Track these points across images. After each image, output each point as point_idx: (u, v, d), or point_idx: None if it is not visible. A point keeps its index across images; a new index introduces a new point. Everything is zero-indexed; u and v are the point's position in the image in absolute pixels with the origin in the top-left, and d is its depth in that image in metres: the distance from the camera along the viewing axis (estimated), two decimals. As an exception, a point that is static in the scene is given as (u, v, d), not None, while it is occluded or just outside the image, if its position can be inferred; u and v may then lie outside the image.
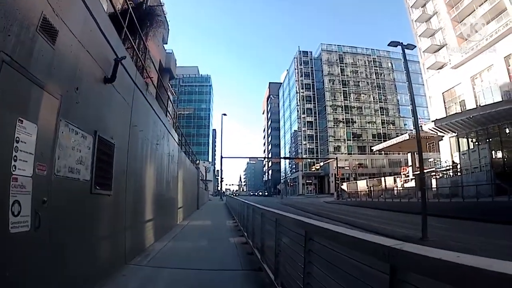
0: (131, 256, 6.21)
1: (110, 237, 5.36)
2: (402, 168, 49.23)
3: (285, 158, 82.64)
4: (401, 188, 31.48)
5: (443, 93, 33.97)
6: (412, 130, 64.60)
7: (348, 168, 68.16)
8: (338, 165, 67.40)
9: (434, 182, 26.76)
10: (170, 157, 11.03)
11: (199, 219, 16.45)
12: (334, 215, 19.86)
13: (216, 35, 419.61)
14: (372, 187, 38.11)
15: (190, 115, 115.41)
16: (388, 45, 15.23)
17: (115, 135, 5.38)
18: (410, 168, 38.34)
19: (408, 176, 36.66)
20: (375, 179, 41.56)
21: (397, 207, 23.23)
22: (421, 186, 14.22)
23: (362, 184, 41.46)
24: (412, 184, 31.34)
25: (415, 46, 17.66)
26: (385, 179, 37.98)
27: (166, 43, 33.61)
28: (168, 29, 34.07)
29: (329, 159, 65.29)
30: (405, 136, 35.16)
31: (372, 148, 51.50)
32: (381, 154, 70.24)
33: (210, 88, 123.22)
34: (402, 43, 14.70)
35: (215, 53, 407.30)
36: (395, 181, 36.41)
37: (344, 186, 47.78)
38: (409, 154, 40.64)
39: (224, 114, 53.76)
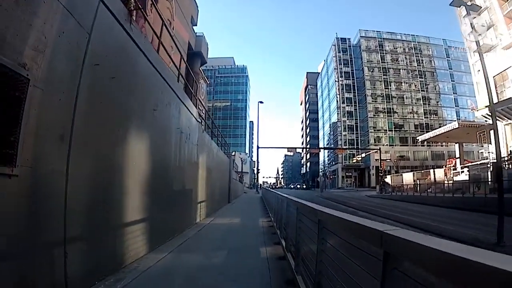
0: (85, 282, 3.53)
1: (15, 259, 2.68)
2: (447, 160, 45.45)
3: (325, 148, 79.06)
4: (452, 182, 27.62)
5: (493, 76, 29.63)
6: (456, 120, 60.55)
7: (389, 160, 63.57)
8: (377, 157, 64.25)
9: (489, 175, 23.16)
10: (183, 135, 8.37)
11: (226, 215, 13.60)
12: (381, 211, 17.59)
13: (250, 26, 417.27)
14: (418, 180, 34.55)
15: (227, 107, 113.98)
16: (450, 4, 12.10)
17: (32, 63, 2.77)
18: (458, 160, 35.54)
19: (456, 169, 32.98)
20: (422, 171, 37.39)
21: (450, 202, 20.96)
22: (498, 178, 10.80)
23: (408, 177, 37.72)
24: (463, 177, 28.11)
25: (480, 7, 14.72)
26: (434, 172, 34.16)
27: (196, 25, 31.41)
28: (198, 10, 31.82)
29: (372, 149, 60.99)
30: (454, 125, 31.72)
31: (417, 138, 47.15)
32: (424, 146, 67.35)
33: (246, 79, 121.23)
34: (466, 2, 12.12)
35: (250, 45, 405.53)
36: (445, 174, 32.17)
37: (388, 179, 43.92)
38: (456, 145, 37.77)
39: (261, 102, 51.03)
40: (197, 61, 33.66)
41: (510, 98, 24.58)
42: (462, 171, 30.37)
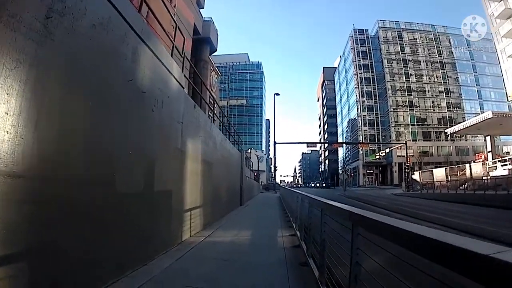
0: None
1: None
2: (476, 155, 42.19)
3: (347, 143, 75.03)
4: (489, 178, 25.28)
5: None
6: (480, 112, 57.59)
7: (412, 156, 60.01)
8: (402, 153, 61.27)
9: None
10: (150, 99, 5.38)
11: (233, 225, 9.94)
12: (420, 213, 15.00)
13: (263, 26, 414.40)
14: (450, 177, 31.62)
15: (242, 105, 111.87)
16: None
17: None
18: (490, 154, 33.08)
19: (494, 163, 29.81)
20: (457, 166, 34.02)
21: (493, 201, 18.72)
22: None
23: (439, 173, 34.30)
24: (500, 172, 26.35)
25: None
26: (470, 166, 30.84)
27: (203, 7, 29.03)
28: (204, -9, 29.40)
29: (396, 144, 57.46)
30: (487, 114, 29.03)
31: (445, 131, 43.85)
32: (448, 140, 67.03)
33: (261, 75, 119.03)
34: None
35: (264, 44, 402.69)
36: (486, 168, 28.89)
37: (416, 175, 40.46)
38: (487, 138, 35.05)
39: (277, 94, 47.84)
40: (206, 48, 31.09)
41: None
42: (504, 165, 27.74)
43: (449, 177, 31.59)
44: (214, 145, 10.55)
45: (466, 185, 26.36)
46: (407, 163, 44.06)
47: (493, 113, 28.32)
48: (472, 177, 28.22)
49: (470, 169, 30.38)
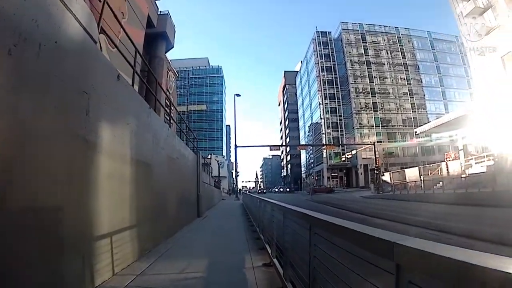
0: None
1: None
2: (446, 154, 41.84)
3: (313, 145, 73.17)
4: (467, 176, 24.50)
5: (502, 57, 27.21)
6: (445, 112, 58.62)
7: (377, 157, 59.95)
8: (367, 155, 61.03)
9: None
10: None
11: (182, 252, 6.92)
12: (404, 216, 13.50)
13: (224, 26, 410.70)
14: (423, 176, 30.37)
15: (202, 111, 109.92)
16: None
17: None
18: (462, 152, 31.27)
19: (468, 160, 28.87)
20: (430, 165, 33.10)
21: (479, 199, 17.55)
22: None
23: (412, 173, 33.19)
24: (477, 169, 25.21)
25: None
26: (447, 164, 29.97)
27: (159, -1, 26.29)
28: (160, -24, 26.65)
29: (364, 145, 56.67)
30: (461, 112, 27.71)
31: (415, 130, 43.17)
32: (413, 141, 64.77)
33: (221, 79, 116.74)
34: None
35: (225, 46, 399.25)
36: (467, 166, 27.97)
37: (386, 176, 39.35)
38: (459, 136, 33.04)
39: (238, 95, 45.13)
40: (161, 43, 28.16)
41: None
42: (478, 162, 26.67)
43: (422, 176, 30.45)
44: (156, 140, 7.73)
45: (443, 184, 25.23)
46: (376, 164, 42.75)
47: (466, 110, 27.15)
48: (449, 176, 27.49)
49: (447, 167, 29.53)
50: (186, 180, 12.19)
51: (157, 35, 26.65)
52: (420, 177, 30.39)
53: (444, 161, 32.82)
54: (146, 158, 6.90)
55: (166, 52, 29.76)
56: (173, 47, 30.29)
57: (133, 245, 5.85)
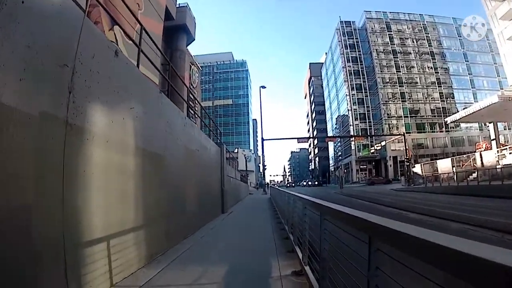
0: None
1: None
2: (476, 144, 39.79)
3: (341, 136, 71.19)
4: (502, 167, 22.81)
5: None
6: (474, 102, 55.99)
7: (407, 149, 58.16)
8: (396, 147, 60.60)
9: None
10: None
11: (200, 256, 5.97)
12: (443, 211, 12.07)
13: (248, 19, 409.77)
14: (455, 168, 29.04)
15: (228, 105, 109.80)
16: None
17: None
18: (494, 142, 30.32)
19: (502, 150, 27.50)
20: (464, 156, 31.38)
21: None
22: None
23: (444, 165, 31.73)
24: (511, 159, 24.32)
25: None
26: (481, 155, 28.34)
27: (176, -11, 25.79)
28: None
29: (393, 136, 54.61)
30: (493, 99, 25.99)
31: (446, 120, 41.17)
32: (442, 132, 65.89)
33: (246, 73, 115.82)
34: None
35: (250, 39, 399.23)
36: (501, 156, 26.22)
37: (417, 168, 37.59)
38: (491, 125, 32.13)
39: (263, 87, 44.04)
40: (182, 36, 27.61)
41: None
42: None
43: (455, 168, 29.00)
44: (170, 130, 6.88)
45: (477, 175, 23.74)
46: (407, 155, 40.96)
47: (499, 97, 25.46)
48: (483, 167, 26.04)
49: (481, 158, 27.91)
50: (208, 173, 11.36)
51: (177, 27, 26.27)
52: (453, 169, 29.03)
53: (477, 151, 31.44)
54: (157, 148, 6.07)
55: (187, 45, 29.22)
56: (194, 39, 29.74)
57: (139, 248, 5.05)
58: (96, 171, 3.97)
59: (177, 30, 26.42)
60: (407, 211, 13.03)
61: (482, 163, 27.34)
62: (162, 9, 21.93)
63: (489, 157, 27.16)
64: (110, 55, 4.55)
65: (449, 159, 31.83)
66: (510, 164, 22.70)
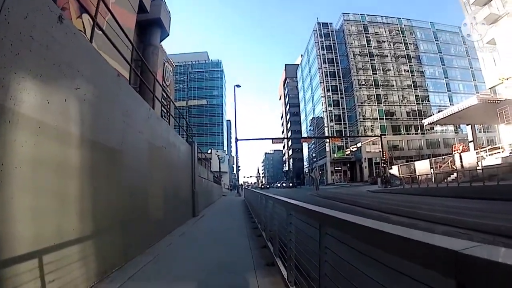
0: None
1: None
2: (453, 146, 40.55)
3: (317, 137, 69.98)
4: (481, 168, 22.88)
5: None
6: (449, 105, 57.44)
7: (380, 151, 58.61)
8: (371, 149, 61.39)
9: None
10: None
11: (157, 273, 4.79)
12: (426, 213, 11.61)
13: (223, 19, 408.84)
14: (433, 169, 29.50)
15: (202, 105, 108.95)
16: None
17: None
18: (472, 144, 30.97)
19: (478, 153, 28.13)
20: (442, 157, 31.86)
21: (494, 193, 16.42)
22: None
23: (422, 166, 32.19)
24: (491, 161, 24.57)
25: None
26: (460, 157, 28.56)
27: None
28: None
29: (370, 137, 55.04)
30: (472, 101, 26.30)
31: (423, 121, 41.89)
32: (418, 134, 67.02)
33: (221, 73, 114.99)
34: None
35: (225, 38, 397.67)
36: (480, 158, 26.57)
37: (394, 170, 37.77)
38: (468, 127, 32.83)
39: (238, 86, 42.84)
40: (156, 31, 26.26)
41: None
42: (491, 154, 26.55)
43: (433, 169, 29.49)
44: (129, 120, 5.81)
45: (457, 177, 24.09)
46: (383, 157, 41.02)
47: (478, 99, 25.68)
48: (462, 168, 26.45)
49: (461, 159, 28.15)
50: (177, 174, 10.27)
51: (151, 22, 24.95)
52: (431, 170, 29.39)
53: (454, 153, 31.86)
54: (112, 141, 5.02)
55: (161, 41, 27.89)
56: (168, 35, 28.43)
57: (86, 264, 4.03)
58: (21, 165, 2.96)
59: (151, 24, 25.17)
60: (388, 213, 12.42)
61: (462, 164, 27.56)
62: (136, 0, 20.73)
63: (469, 159, 27.35)
64: (52, 19, 3.54)
65: (428, 160, 32.28)
66: (491, 165, 22.82)
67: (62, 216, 3.66)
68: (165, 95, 19.15)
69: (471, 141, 31.00)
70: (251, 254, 5.73)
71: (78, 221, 3.94)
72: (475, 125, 32.67)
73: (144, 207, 6.54)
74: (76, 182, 3.96)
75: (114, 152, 5.08)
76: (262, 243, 6.46)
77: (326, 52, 75.44)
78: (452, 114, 29.09)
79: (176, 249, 6.56)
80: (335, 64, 74.66)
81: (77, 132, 4.00)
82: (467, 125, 32.92)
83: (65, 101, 3.79)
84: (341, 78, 73.57)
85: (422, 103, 69.56)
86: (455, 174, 25.69)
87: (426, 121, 36.37)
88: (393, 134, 66.45)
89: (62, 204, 3.67)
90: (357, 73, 70.02)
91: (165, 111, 16.89)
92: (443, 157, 31.81)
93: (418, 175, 29.95)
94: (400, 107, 69.26)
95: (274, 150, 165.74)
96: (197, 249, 6.62)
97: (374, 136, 51.40)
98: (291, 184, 78.67)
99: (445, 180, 25.44)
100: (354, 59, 70.84)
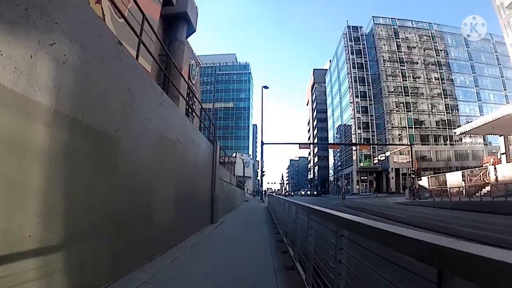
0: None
1: None
2: (483, 159, 38.48)
3: (347, 144, 67.77)
4: None
5: None
6: (479, 115, 54.36)
7: (408, 161, 55.89)
8: (398, 159, 59.74)
9: None
10: None
11: None
12: (457, 228, 11.00)
13: (252, 22, 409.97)
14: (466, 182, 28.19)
15: (228, 108, 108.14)
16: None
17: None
18: (504, 156, 29.62)
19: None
20: (477, 169, 30.38)
21: None
22: None
23: (454, 178, 30.48)
24: None
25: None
26: (495, 169, 26.80)
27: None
28: None
29: (400, 145, 52.87)
30: (509, 109, 24.53)
31: (454, 131, 39.85)
32: (447, 145, 64.52)
33: (249, 76, 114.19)
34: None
35: (252, 44, 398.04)
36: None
37: (424, 181, 35.82)
38: (501, 138, 31.30)
39: (265, 87, 41.86)
40: (182, 26, 25.58)
41: None
42: None
43: (465, 182, 28.15)
44: (132, 102, 4.68)
45: (491, 190, 22.93)
46: (413, 167, 38.91)
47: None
48: (497, 181, 24.75)
49: (495, 171, 26.35)
50: (193, 174, 9.10)
51: (177, 16, 24.46)
52: (463, 183, 28.31)
53: (487, 165, 30.07)
54: (104, 124, 3.88)
55: (187, 37, 27.19)
56: (195, 30, 27.84)
57: (47, 285, 2.91)
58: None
59: (177, 18, 24.59)
60: (422, 228, 11.04)
61: (496, 177, 25.73)
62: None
63: (505, 171, 25.47)
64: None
65: (460, 172, 30.92)
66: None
67: (12, 217, 2.56)
68: (190, 94, 18.19)
69: (503, 153, 29.15)
70: (275, 279, 4.47)
71: (40, 224, 2.82)
72: (508, 137, 30.55)
73: (147, 209, 5.35)
74: (41, 172, 2.85)
75: (107, 137, 3.94)
76: (288, 262, 5.22)
77: (356, 57, 73.92)
78: (486, 123, 27.35)
79: (184, 264, 5.37)
80: (364, 70, 72.93)
81: (48, 103, 2.90)
82: (500, 135, 31.23)
83: (31, 58, 2.71)
84: (370, 84, 71.70)
85: (451, 113, 67.02)
86: (488, 188, 24.35)
87: (458, 130, 34.72)
88: (422, 144, 64.27)
89: (14, 200, 2.57)
90: (387, 79, 68.12)
91: (190, 110, 15.96)
92: (476, 168, 30.34)
93: (449, 188, 28.43)
94: (429, 116, 66.99)
95: (299, 157, 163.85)
96: (209, 265, 5.39)
97: (405, 144, 49.26)
98: (315, 192, 76.92)
99: (477, 194, 24.34)
100: (383, 64, 69.08)
